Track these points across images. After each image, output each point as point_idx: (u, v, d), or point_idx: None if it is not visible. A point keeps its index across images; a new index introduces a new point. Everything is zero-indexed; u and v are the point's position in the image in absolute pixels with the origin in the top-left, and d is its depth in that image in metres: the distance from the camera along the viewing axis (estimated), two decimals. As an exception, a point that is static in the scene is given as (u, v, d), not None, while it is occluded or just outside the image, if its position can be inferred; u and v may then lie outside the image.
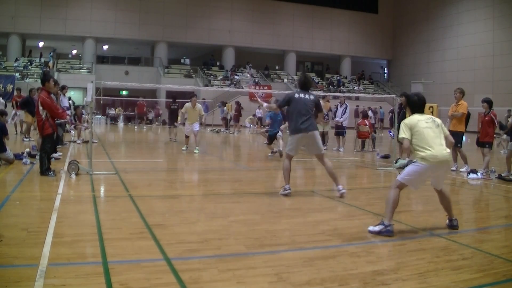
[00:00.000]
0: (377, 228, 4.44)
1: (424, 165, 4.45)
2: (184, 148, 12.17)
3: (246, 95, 29.98)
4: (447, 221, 4.82)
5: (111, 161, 9.74)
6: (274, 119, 11.36)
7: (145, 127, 26.25)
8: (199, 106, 12.41)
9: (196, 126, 12.16)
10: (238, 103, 24.77)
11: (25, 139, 13.15)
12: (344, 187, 6.40)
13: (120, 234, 4.19)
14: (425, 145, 4.48)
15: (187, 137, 12.38)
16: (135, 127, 26.63)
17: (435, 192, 7.61)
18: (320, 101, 13.85)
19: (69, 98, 20.58)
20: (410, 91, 11.21)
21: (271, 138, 11.44)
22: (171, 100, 17.86)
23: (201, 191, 7.15)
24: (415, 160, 4.54)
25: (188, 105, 12.21)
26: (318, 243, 4.11)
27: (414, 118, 4.69)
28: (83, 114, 14.47)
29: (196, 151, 11.82)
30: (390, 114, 28.21)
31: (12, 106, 16.40)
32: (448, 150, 4.58)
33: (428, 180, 4.71)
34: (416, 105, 4.82)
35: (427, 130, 4.56)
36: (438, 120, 4.77)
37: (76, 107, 14.23)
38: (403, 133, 4.61)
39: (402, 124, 4.67)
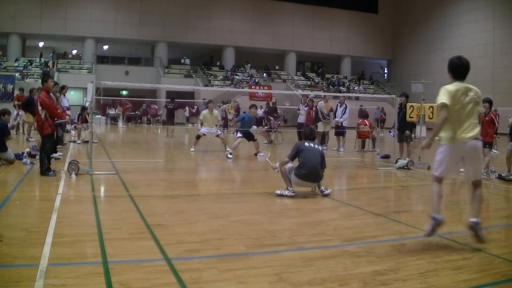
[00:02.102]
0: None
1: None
2: (192, 149, 12.16)
3: (246, 95, 29.99)
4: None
5: (111, 161, 9.74)
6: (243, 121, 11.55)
7: (124, 126, 26.57)
8: (216, 112, 12.63)
9: (216, 131, 12.37)
10: (237, 103, 24.84)
11: (30, 139, 13.15)
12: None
13: (120, 234, 4.19)
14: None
15: (198, 138, 12.28)
16: (119, 126, 26.90)
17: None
18: (321, 102, 14.00)
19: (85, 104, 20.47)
20: (410, 91, 11.20)
21: (249, 136, 11.52)
22: (169, 100, 19.15)
23: (201, 191, 7.16)
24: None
25: (205, 112, 12.31)
26: (318, 243, 4.11)
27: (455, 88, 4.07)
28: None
29: (228, 149, 11.83)
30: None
31: (14, 106, 16.25)
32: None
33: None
34: (457, 69, 4.19)
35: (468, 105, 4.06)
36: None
37: (83, 108, 14.11)
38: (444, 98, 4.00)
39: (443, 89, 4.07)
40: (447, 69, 4.20)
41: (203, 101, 24.88)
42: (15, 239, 3.85)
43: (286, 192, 6.23)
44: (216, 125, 12.53)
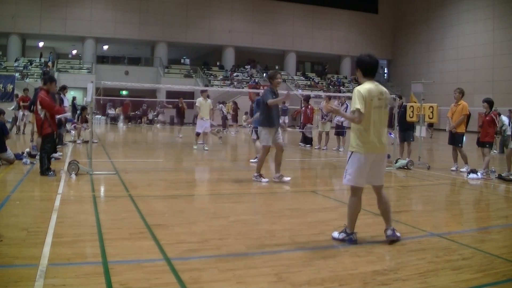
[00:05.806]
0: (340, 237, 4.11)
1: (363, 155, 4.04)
2: (195, 147, 12.29)
3: (246, 95, 29.97)
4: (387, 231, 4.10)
5: (111, 161, 9.73)
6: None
7: (125, 126, 26.88)
8: (209, 100, 12.65)
9: (208, 124, 12.41)
10: (235, 103, 24.89)
11: (31, 142, 13.10)
12: (281, 176, 7.38)
13: (120, 234, 4.19)
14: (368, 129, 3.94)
15: (198, 134, 12.43)
16: (120, 125, 27.08)
17: (435, 192, 7.62)
18: (323, 102, 14.06)
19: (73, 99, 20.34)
20: (410, 91, 11.20)
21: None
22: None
23: (201, 191, 7.16)
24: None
25: (200, 99, 12.38)
26: (318, 243, 4.11)
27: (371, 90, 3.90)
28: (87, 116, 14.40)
29: (206, 148, 12.10)
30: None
31: (19, 106, 16.14)
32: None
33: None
34: (369, 66, 4.00)
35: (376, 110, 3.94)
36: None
37: (83, 108, 14.10)
38: (358, 104, 3.83)
39: (356, 92, 3.89)
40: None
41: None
42: (15, 239, 3.85)
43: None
44: (210, 115, 12.59)
